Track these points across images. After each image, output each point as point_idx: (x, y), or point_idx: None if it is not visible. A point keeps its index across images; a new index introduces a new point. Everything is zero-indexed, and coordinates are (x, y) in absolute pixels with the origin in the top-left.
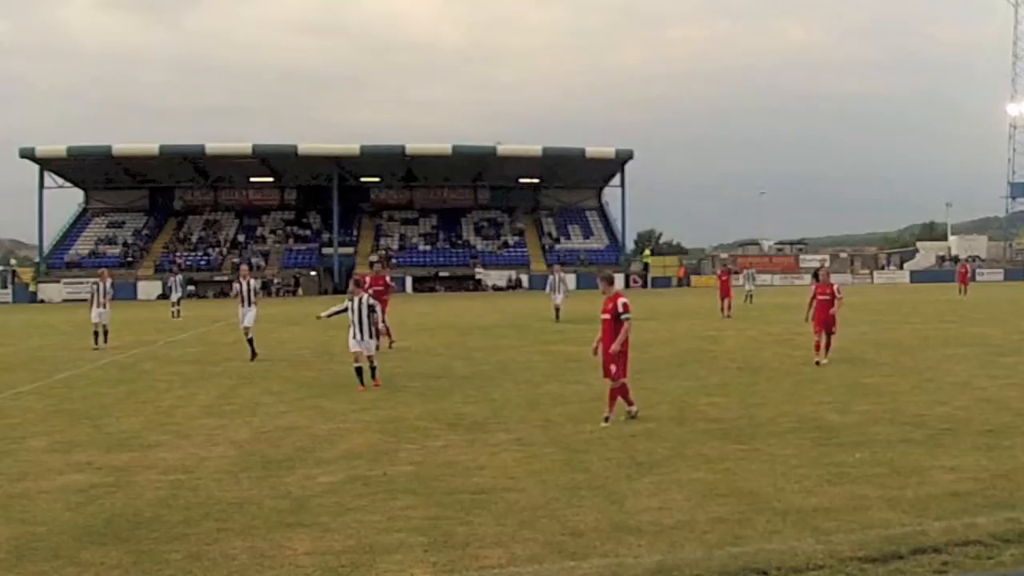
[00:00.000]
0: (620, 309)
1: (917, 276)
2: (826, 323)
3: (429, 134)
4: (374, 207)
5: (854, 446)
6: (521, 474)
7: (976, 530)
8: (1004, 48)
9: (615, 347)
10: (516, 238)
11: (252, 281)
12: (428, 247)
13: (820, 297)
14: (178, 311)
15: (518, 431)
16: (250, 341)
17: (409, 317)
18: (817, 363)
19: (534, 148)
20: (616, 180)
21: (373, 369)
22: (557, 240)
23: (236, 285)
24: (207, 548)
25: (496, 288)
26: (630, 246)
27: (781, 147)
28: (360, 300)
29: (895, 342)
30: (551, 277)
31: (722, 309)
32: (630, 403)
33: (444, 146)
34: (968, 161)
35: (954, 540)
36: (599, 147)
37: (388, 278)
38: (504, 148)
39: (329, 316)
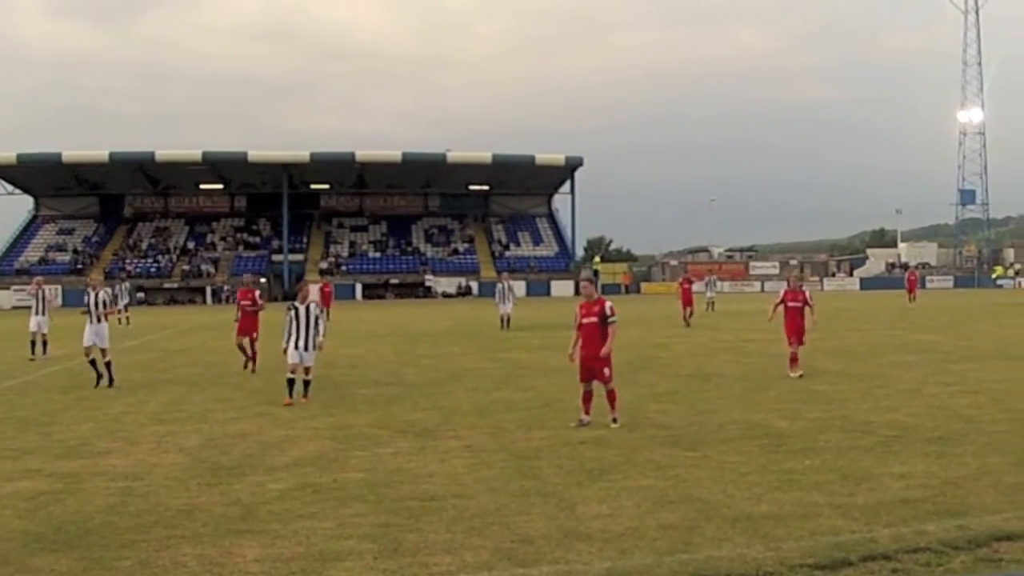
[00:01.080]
0: (608, 312)
1: (867, 283)
2: (799, 332)
3: (380, 141)
4: (324, 214)
5: (804, 453)
6: (471, 481)
7: (926, 537)
8: (954, 55)
9: (605, 350)
10: (466, 245)
11: (103, 292)
12: (378, 254)
13: (791, 304)
14: (127, 318)
15: (468, 438)
16: (107, 365)
17: (359, 324)
18: (800, 376)
19: (484, 155)
20: (566, 187)
21: (307, 384)
22: (507, 247)
23: (87, 296)
24: (157, 555)
25: (446, 295)
26: (580, 253)
27: (731, 154)
28: (308, 308)
29: (845, 349)
30: (499, 285)
31: (684, 318)
32: (614, 408)
33: (394, 153)
34: (918, 168)
35: (904, 547)
36: (549, 154)
37: (257, 293)
38: (454, 155)
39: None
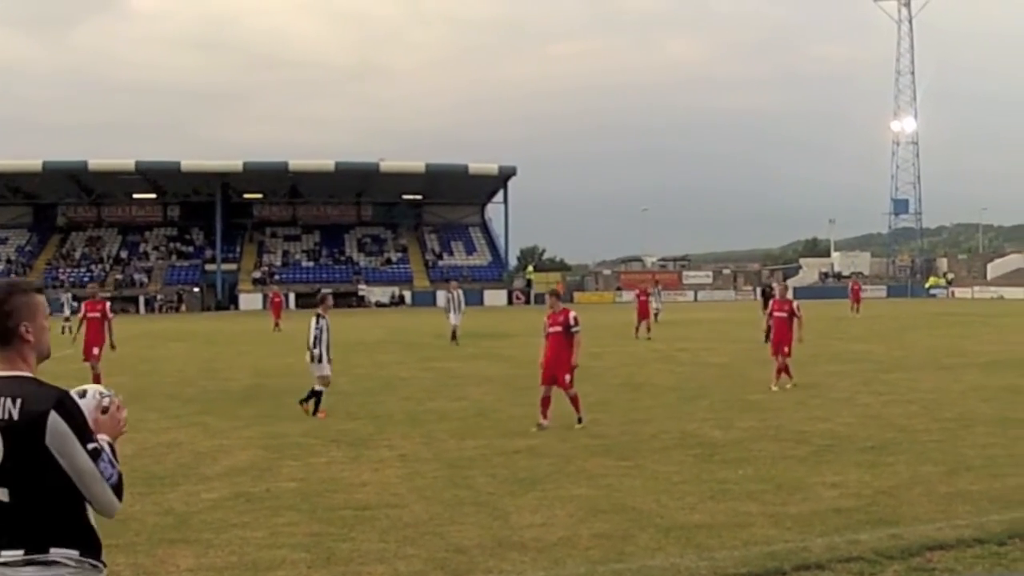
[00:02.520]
0: (572, 323)
1: (801, 292)
2: (785, 342)
3: (315, 151)
4: (257, 223)
5: (737, 462)
6: (404, 490)
7: (859, 546)
8: (888, 65)
9: (576, 360)
10: (399, 254)
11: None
12: (311, 263)
13: (777, 314)
14: (70, 327)
15: (401, 447)
16: None
17: (294, 334)
18: (793, 385)
19: (417, 164)
20: (499, 197)
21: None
22: (440, 256)
23: None
24: None
25: (379, 304)
26: (513, 262)
27: (665, 163)
28: (328, 321)
29: None
30: (448, 294)
31: (637, 330)
32: (579, 410)
33: (327, 162)
34: (852, 178)
35: (837, 556)
36: (482, 163)
37: (108, 305)
38: (387, 164)
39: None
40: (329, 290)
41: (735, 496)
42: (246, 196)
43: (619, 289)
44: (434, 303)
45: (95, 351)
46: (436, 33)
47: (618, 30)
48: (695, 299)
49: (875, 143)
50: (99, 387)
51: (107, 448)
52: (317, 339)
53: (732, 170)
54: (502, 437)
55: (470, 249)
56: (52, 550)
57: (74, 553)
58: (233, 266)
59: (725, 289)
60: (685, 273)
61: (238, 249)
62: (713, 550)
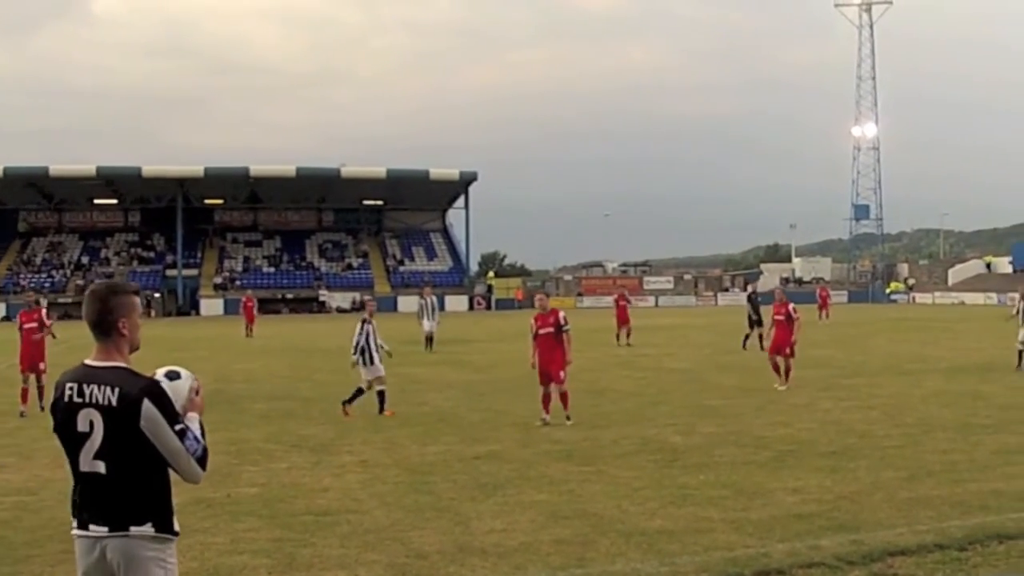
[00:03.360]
0: (562, 322)
1: (762, 298)
2: (781, 346)
3: (276, 156)
4: (218, 229)
5: (698, 468)
6: (365, 496)
7: (820, 552)
8: (849, 70)
9: (570, 358)
10: (360, 260)
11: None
12: (272, 269)
13: (776, 317)
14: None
15: (362, 453)
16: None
17: (254, 339)
18: (786, 388)
19: (378, 170)
20: (460, 202)
21: (383, 394)
22: (401, 262)
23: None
24: (51, 570)
25: (340, 310)
26: (474, 268)
27: (626, 169)
28: (373, 325)
29: (739, 364)
30: (422, 300)
31: (618, 337)
32: (568, 407)
33: (288, 168)
34: (813, 183)
35: (798, 562)
36: (443, 169)
37: (44, 312)
38: (348, 170)
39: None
40: (370, 297)
41: (696, 502)
42: (207, 202)
43: (580, 294)
44: (395, 309)
45: (40, 366)
46: (396, 39)
47: (577, 36)
48: (656, 305)
49: (836, 148)
50: (187, 370)
51: (195, 425)
52: (363, 343)
53: (693, 175)
54: (463, 443)
55: (431, 255)
56: (132, 528)
57: (150, 529)
58: (194, 271)
59: (686, 295)
60: (646, 279)
61: (199, 255)
62: (674, 556)
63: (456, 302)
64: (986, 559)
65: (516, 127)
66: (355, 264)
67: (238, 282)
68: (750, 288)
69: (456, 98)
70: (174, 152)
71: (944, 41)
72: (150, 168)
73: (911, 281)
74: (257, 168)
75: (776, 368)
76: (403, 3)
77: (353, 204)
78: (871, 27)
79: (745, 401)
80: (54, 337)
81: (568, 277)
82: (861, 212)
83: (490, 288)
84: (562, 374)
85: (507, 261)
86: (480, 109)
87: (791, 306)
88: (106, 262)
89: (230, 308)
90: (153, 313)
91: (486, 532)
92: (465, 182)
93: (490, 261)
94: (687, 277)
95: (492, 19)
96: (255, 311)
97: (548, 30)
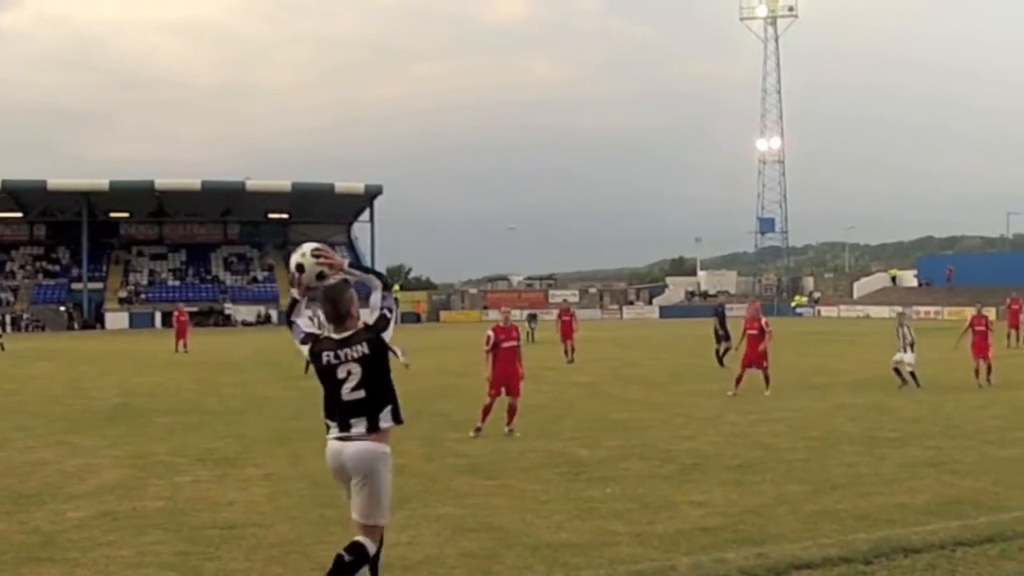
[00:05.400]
0: (519, 337)
1: (667, 311)
2: (754, 359)
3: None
4: (124, 242)
5: (603, 481)
6: (270, 509)
7: (725, 565)
8: (754, 83)
9: (523, 371)
10: (265, 273)
11: None
12: (177, 282)
13: (750, 332)
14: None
15: (267, 466)
16: None
17: (159, 353)
18: (767, 393)
19: (283, 183)
20: (365, 215)
21: None
22: None
23: None
24: None
25: (245, 323)
26: None
27: (531, 182)
28: None
29: (644, 378)
30: None
31: (566, 352)
32: (513, 419)
33: (193, 181)
34: (719, 196)
35: (703, 575)
36: (348, 182)
37: None
38: (253, 183)
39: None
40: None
41: (601, 515)
42: (112, 215)
43: (485, 308)
44: None
45: None
46: (302, 53)
47: (482, 50)
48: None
49: (742, 162)
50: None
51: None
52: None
53: (599, 189)
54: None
55: None
56: (382, 424)
57: (391, 422)
58: (99, 285)
59: (592, 308)
60: (551, 292)
61: (104, 268)
62: (579, 569)
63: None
64: (891, 573)
65: (422, 141)
66: (260, 277)
67: (143, 295)
68: (717, 302)
69: (362, 111)
70: (81, 166)
71: (850, 54)
72: (55, 181)
73: (816, 294)
74: (162, 181)
75: (739, 380)
76: (310, 17)
77: (258, 217)
78: (776, 40)
79: (650, 414)
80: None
81: (473, 291)
82: (766, 225)
83: (396, 301)
84: (521, 386)
85: (412, 274)
86: (386, 123)
87: (764, 320)
88: (11, 275)
89: (136, 322)
90: (76, 325)
91: (391, 546)
92: (370, 195)
93: (395, 274)
94: (592, 290)
95: (399, 33)
96: (188, 325)
97: (455, 44)
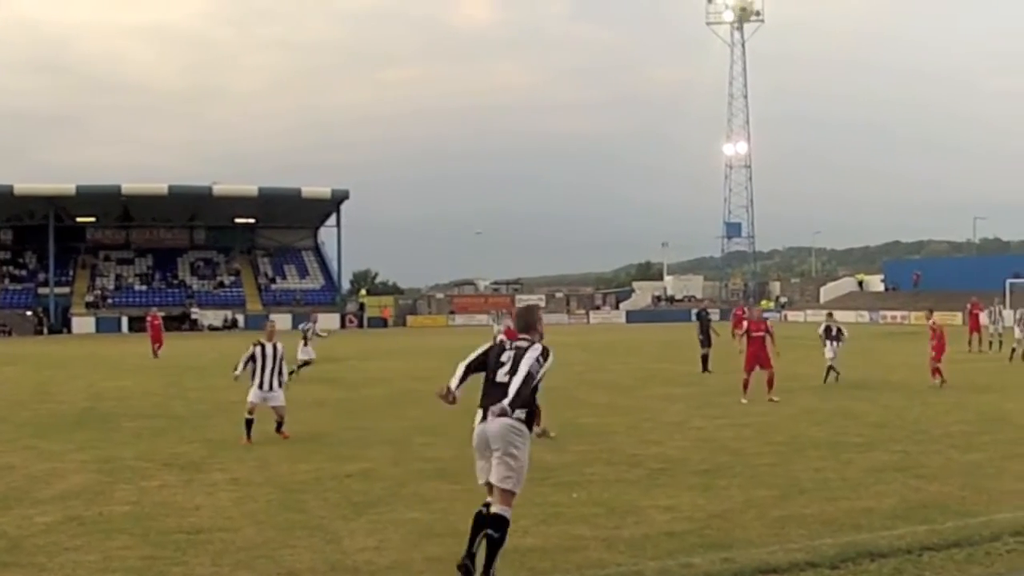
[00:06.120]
0: None
1: (633, 316)
2: (762, 361)
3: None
4: (90, 247)
5: (570, 486)
6: (237, 514)
7: (692, 570)
8: (721, 88)
9: None
10: (232, 278)
11: None
12: (144, 287)
13: (755, 334)
14: None
15: (234, 471)
16: None
17: (126, 357)
18: (775, 400)
19: (250, 188)
20: (332, 220)
21: (281, 423)
22: (273, 280)
23: None
24: None
25: (212, 328)
26: (346, 286)
27: (498, 187)
28: (275, 347)
29: (611, 382)
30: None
31: None
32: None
33: (160, 186)
34: (685, 201)
35: None
36: (315, 187)
37: None
38: (220, 188)
39: (242, 371)
40: (272, 319)
41: (568, 519)
42: (79, 220)
43: (452, 312)
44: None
45: None
46: (269, 58)
47: (449, 55)
48: None
49: (708, 166)
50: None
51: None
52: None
53: (565, 193)
54: (335, 461)
55: (303, 273)
56: (516, 411)
57: (522, 414)
58: (66, 289)
59: (559, 312)
60: (518, 297)
61: (71, 273)
62: (546, 573)
63: (328, 320)
64: None
65: (389, 145)
66: (227, 282)
67: (110, 300)
68: (702, 307)
69: (329, 116)
70: (47, 170)
71: (816, 59)
72: (22, 186)
73: (783, 299)
74: (129, 186)
75: (747, 384)
76: (277, 21)
77: (225, 222)
78: (743, 45)
79: (617, 419)
80: None
81: (440, 295)
82: (733, 230)
83: (362, 306)
84: None
85: (379, 279)
86: (353, 127)
87: (768, 323)
88: None
89: (102, 326)
90: (46, 331)
91: (358, 550)
92: (337, 200)
93: (362, 279)
94: (559, 295)
95: (366, 38)
96: (162, 329)
97: (421, 49)
